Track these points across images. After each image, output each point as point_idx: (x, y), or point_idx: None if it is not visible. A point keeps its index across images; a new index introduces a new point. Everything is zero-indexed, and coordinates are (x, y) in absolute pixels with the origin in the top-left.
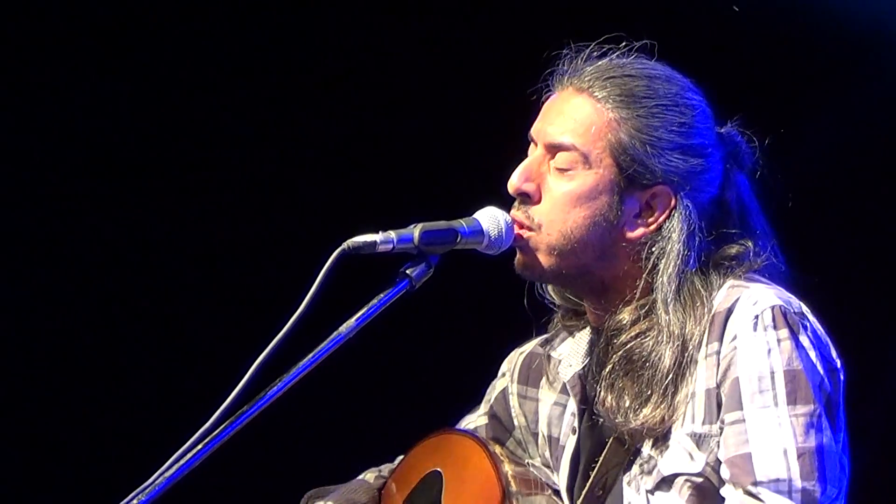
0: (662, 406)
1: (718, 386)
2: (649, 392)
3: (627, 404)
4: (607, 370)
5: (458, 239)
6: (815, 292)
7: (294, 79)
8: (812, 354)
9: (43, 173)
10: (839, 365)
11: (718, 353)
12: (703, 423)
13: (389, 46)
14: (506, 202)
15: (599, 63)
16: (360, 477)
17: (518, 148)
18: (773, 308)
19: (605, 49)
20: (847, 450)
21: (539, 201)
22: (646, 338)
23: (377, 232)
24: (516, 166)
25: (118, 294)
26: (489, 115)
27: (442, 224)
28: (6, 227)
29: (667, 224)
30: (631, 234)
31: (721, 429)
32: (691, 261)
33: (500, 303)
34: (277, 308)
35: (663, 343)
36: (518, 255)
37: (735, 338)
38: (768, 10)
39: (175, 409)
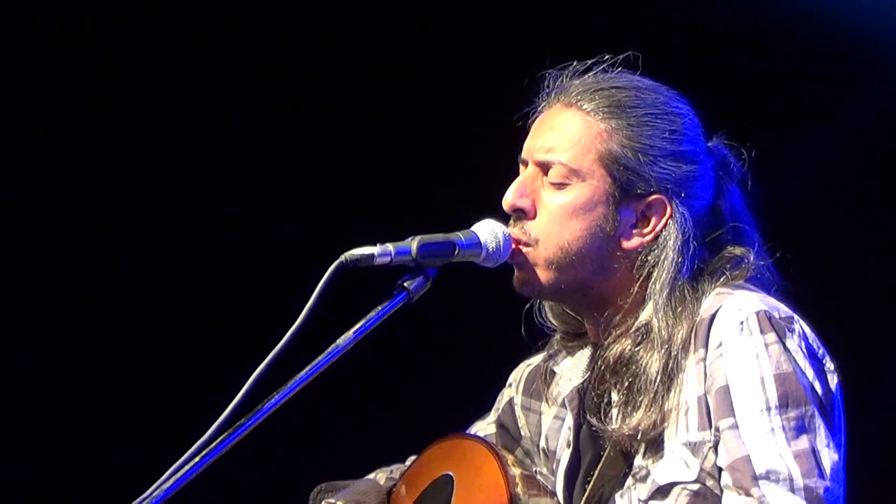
0: (653, 410)
1: (707, 392)
2: (640, 397)
3: (620, 410)
4: (601, 379)
5: (456, 251)
6: (811, 299)
7: (293, 89)
8: (800, 357)
9: (46, 181)
10: (832, 367)
11: (705, 359)
12: (698, 431)
13: (388, 60)
14: (503, 216)
15: (585, 77)
16: (370, 477)
17: (516, 161)
18: (757, 313)
19: (589, 64)
20: (844, 454)
21: (535, 217)
22: (637, 346)
23: (375, 244)
24: (513, 179)
25: (116, 306)
26: (486, 129)
27: (440, 237)
28: (8, 233)
29: (663, 233)
30: (627, 245)
31: (716, 436)
32: (684, 268)
33: (504, 313)
34: (276, 320)
35: (653, 349)
36: (516, 273)
37: (721, 344)
38: (759, 21)
39: (172, 422)
